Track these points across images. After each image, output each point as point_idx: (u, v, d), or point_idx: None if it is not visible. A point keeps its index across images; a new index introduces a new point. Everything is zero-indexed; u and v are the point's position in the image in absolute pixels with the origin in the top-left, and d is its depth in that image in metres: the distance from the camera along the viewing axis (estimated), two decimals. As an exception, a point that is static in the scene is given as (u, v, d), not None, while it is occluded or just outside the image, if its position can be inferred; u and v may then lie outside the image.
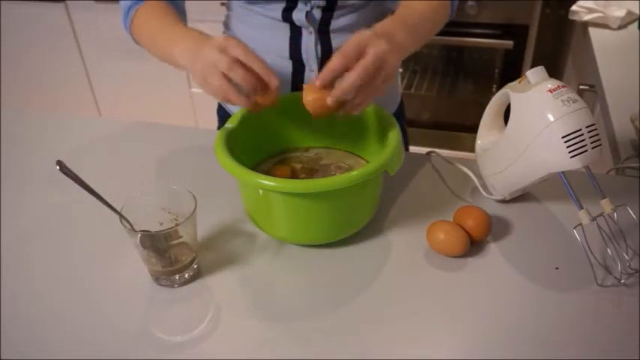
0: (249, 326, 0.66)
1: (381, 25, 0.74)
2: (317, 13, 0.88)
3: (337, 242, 0.76)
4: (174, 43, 0.78)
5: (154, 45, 0.85)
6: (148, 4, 0.87)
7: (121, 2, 0.89)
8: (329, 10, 0.88)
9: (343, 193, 0.70)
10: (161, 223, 0.71)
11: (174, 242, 0.69)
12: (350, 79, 0.67)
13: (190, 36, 0.77)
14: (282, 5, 0.88)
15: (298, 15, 0.88)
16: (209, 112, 1.16)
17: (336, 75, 0.68)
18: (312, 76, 0.93)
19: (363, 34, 0.69)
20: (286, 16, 0.88)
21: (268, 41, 0.93)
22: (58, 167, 0.65)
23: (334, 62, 0.68)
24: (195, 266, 0.72)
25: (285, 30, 0.91)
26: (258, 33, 0.93)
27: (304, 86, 0.72)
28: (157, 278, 0.71)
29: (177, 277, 0.71)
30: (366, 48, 0.67)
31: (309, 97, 0.71)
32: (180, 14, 0.90)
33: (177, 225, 0.68)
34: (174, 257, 0.69)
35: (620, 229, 0.68)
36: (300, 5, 0.87)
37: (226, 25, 1.01)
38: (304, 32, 0.90)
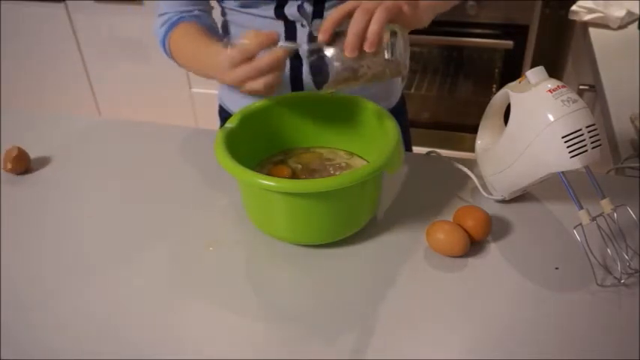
0: (248, 326, 0.66)
1: None
2: (308, 7, 0.89)
3: (337, 242, 0.76)
4: (208, 67, 0.84)
5: (193, 69, 0.94)
6: (177, 31, 0.93)
7: (157, 31, 0.96)
8: (320, 3, 0.89)
9: (343, 193, 0.70)
10: None
11: None
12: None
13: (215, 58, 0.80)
14: (274, 4, 0.89)
15: (290, 10, 0.89)
16: (209, 112, 1.16)
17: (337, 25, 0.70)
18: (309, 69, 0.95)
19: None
20: (279, 13, 0.90)
21: None
22: None
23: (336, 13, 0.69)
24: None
25: (279, 27, 0.92)
26: None
27: None
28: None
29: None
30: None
31: None
32: (208, 27, 0.95)
33: None
34: None
35: (620, 229, 0.67)
36: (290, 2, 0.88)
37: (224, 30, 1.02)
38: (298, 26, 0.91)
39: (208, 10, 0.98)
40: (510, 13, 1.83)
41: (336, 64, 0.70)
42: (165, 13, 0.95)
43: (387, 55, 0.69)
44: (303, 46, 0.74)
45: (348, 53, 0.68)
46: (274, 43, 0.71)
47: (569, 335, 0.63)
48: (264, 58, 0.71)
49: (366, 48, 0.67)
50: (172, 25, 0.93)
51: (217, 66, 0.77)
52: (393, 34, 0.70)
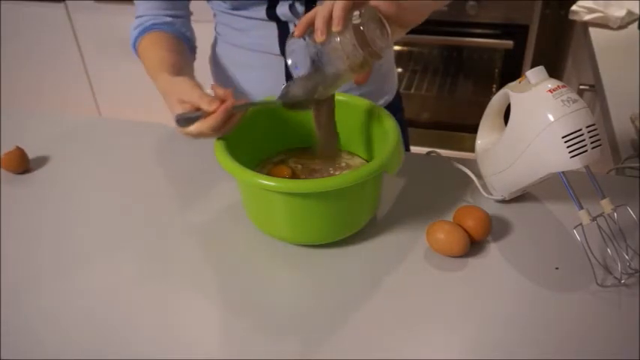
0: (248, 326, 0.66)
1: None
2: (299, 7, 0.89)
3: (337, 242, 0.76)
4: (162, 94, 0.84)
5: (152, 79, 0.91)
6: (147, 38, 0.92)
7: (131, 32, 0.95)
8: (312, 2, 0.89)
9: (343, 193, 0.70)
10: None
11: None
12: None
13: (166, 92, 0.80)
14: (265, 5, 0.89)
15: (282, 10, 0.89)
16: (209, 112, 1.16)
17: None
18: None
19: None
20: (271, 13, 0.89)
21: (258, 41, 0.94)
22: None
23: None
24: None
25: (272, 28, 0.92)
26: (247, 35, 0.95)
27: None
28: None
29: None
30: None
31: None
32: (179, 36, 0.94)
33: None
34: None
35: (620, 229, 0.67)
36: (281, 2, 0.88)
37: (217, 31, 1.02)
38: (291, 26, 0.91)
39: (185, 16, 0.96)
40: (510, 13, 1.83)
41: (314, 58, 0.69)
42: (142, 16, 0.93)
43: (358, 23, 0.67)
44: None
45: (317, 38, 0.67)
46: (229, 107, 0.70)
47: (569, 335, 0.63)
48: (227, 128, 0.71)
49: (334, 27, 0.66)
50: (144, 31, 0.92)
51: (169, 105, 0.77)
52: (362, 16, 0.67)
